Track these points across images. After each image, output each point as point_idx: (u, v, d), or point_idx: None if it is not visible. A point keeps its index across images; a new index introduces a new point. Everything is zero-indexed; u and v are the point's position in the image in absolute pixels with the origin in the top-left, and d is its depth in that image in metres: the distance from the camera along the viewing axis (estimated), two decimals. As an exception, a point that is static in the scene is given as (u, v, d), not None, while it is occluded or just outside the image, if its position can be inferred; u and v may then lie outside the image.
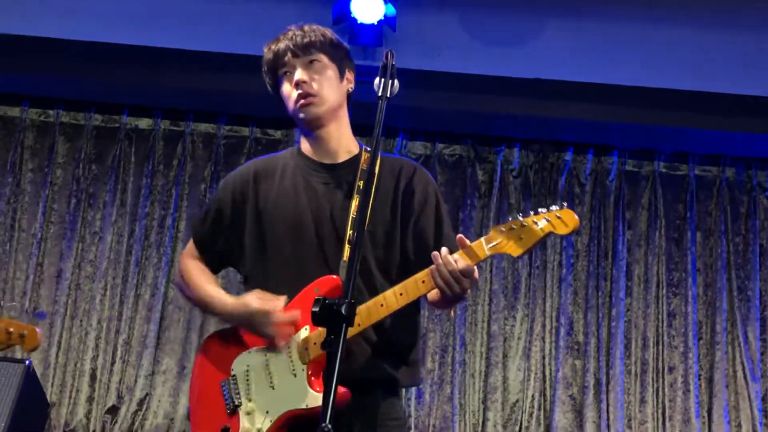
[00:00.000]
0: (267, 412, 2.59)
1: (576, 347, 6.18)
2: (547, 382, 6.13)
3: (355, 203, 2.69)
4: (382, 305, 2.55)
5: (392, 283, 2.64)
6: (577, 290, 6.28)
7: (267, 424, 2.58)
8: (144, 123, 6.51)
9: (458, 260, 2.48)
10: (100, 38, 5.94)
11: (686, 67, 5.99)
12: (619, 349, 6.12)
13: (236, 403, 2.65)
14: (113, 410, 6.01)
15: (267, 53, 2.91)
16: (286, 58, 2.83)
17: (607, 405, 6.05)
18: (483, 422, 6.05)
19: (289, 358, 2.61)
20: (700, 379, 6.14)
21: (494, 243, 2.48)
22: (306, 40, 2.85)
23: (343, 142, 2.86)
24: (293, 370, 2.59)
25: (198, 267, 2.96)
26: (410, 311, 2.73)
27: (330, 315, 2.14)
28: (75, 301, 6.20)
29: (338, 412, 2.55)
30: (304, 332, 2.60)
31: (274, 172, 2.88)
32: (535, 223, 2.45)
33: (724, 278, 6.26)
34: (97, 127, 6.47)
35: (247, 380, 2.66)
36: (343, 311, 2.13)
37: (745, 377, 6.10)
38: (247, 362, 2.69)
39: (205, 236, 2.95)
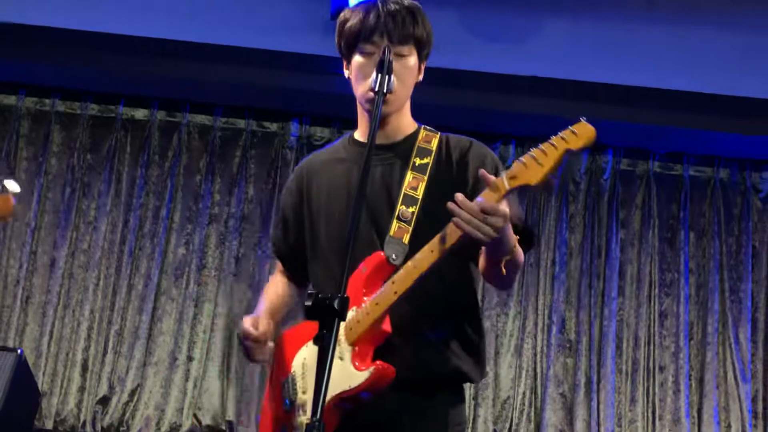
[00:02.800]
0: None
1: (567, 345, 6.20)
2: (539, 379, 6.15)
3: (408, 179, 2.62)
4: (414, 267, 2.44)
5: (448, 263, 2.50)
6: (569, 288, 6.29)
7: None
8: (140, 113, 6.50)
9: (477, 200, 2.33)
10: (97, 28, 5.93)
11: (682, 68, 5.99)
12: (611, 348, 6.13)
13: (292, 399, 2.60)
14: (104, 401, 6.02)
15: (354, 21, 2.64)
16: (376, 38, 2.60)
17: (598, 403, 6.06)
18: (474, 419, 6.05)
19: (338, 344, 2.47)
20: (690, 379, 6.16)
21: (514, 174, 2.34)
22: (407, 27, 2.62)
23: (401, 126, 2.73)
24: (341, 353, 2.50)
25: (273, 281, 2.90)
26: (471, 304, 2.67)
27: (323, 309, 2.12)
28: (68, 291, 6.20)
29: (394, 415, 2.51)
30: (351, 313, 2.50)
31: (325, 165, 2.79)
32: (552, 144, 2.32)
33: (717, 279, 6.28)
34: (93, 116, 6.47)
35: (303, 374, 2.60)
36: (335, 306, 2.12)
37: (735, 378, 6.11)
38: (303, 356, 2.62)
39: (282, 245, 2.87)
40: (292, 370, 2.64)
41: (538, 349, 6.18)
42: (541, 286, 6.27)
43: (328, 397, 2.47)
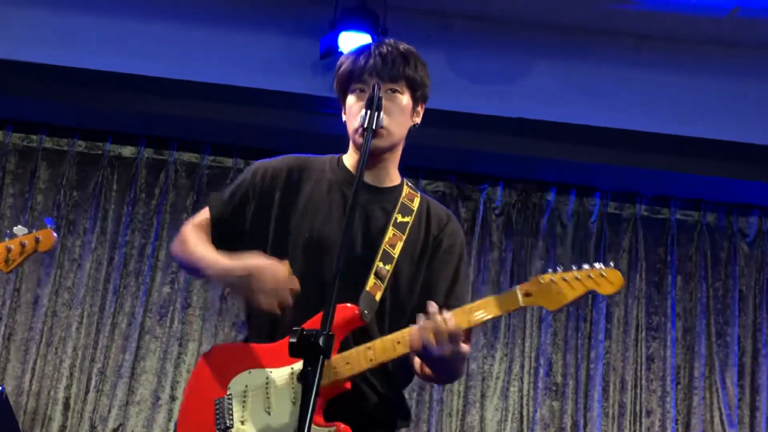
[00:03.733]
0: None
1: (554, 388, 6.16)
2: (525, 423, 6.10)
3: (389, 236, 2.65)
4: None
5: (402, 327, 2.54)
6: (556, 331, 6.27)
7: None
8: (127, 151, 6.48)
9: (449, 319, 2.38)
10: (85, 65, 5.94)
11: (670, 112, 6.04)
12: (597, 392, 6.11)
13: (227, 424, 2.52)
14: (85, 440, 5.95)
15: (347, 63, 2.73)
16: (366, 77, 2.67)
17: (584, 447, 6.03)
18: (459, 462, 6.01)
19: (291, 385, 2.49)
20: (677, 424, 6.12)
21: (531, 293, 2.38)
22: (397, 67, 2.69)
23: (390, 171, 2.78)
24: (293, 397, 2.47)
25: (199, 235, 2.76)
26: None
27: (307, 346, 2.10)
28: (51, 329, 6.14)
29: None
30: None
31: (310, 175, 2.76)
32: (577, 278, 2.37)
33: (703, 323, 6.27)
34: (80, 153, 6.45)
35: (244, 402, 2.54)
36: (320, 343, 2.10)
37: (722, 423, 6.09)
38: (246, 382, 2.56)
39: (227, 216, 2.78)
40: (229, 392, 2.57)
41: (525, 392, 6.14)
42: (528, 329, 6.25)
43: None
